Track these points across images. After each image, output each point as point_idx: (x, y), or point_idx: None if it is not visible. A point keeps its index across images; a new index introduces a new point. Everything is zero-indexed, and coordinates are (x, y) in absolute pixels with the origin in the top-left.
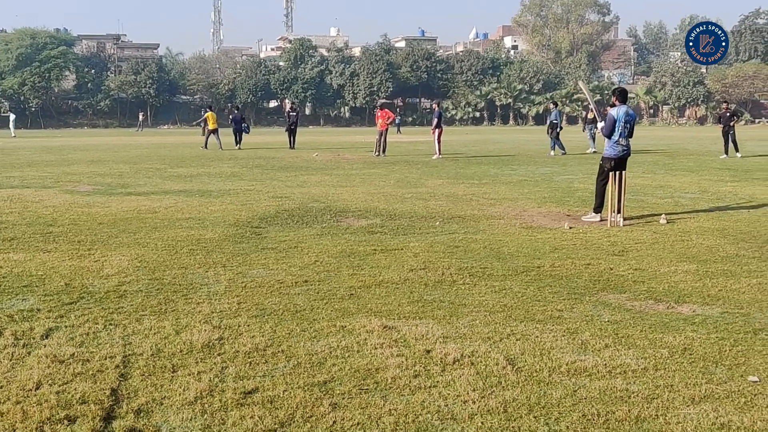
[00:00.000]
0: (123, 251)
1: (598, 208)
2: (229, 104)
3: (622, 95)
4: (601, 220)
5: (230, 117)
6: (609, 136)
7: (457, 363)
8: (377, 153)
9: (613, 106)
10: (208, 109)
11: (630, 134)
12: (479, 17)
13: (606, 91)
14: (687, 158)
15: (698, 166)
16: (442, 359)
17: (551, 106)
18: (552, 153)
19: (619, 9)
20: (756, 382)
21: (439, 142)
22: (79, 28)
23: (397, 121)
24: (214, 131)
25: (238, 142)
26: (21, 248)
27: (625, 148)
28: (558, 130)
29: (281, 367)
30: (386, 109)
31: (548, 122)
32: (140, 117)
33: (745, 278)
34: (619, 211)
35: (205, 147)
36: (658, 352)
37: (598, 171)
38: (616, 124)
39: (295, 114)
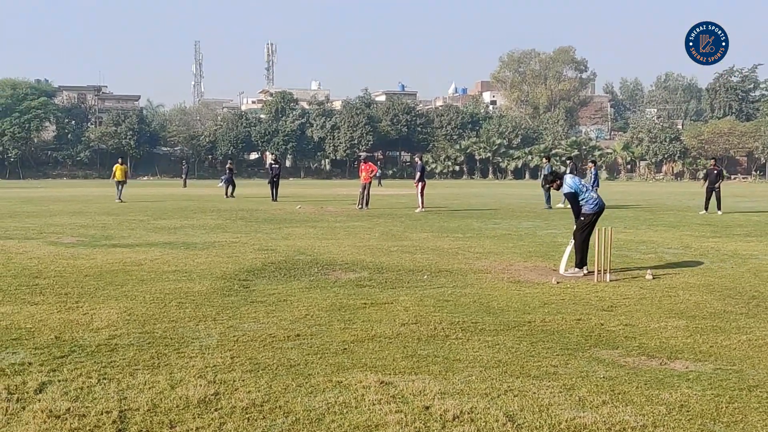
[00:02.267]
0: (111, 304)
1: (581, 262)
2: (209, 156)
3: (556, 175)
4: (586, 274)
5: (227, 170)
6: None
7: (457, 420)
8: (360, 206)
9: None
10: (118, 162)
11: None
12: (458, 73)
13: (584, 146)
14: (667, 213)
15: (679, 222)
16: (441, 416)
17: (544, 161)
18: (548, 206)
19: (596, 66)
20: None
21: (422, 196)
22: (60, 79)
23: (378, 174)
24: (122, 183)
25: (230, 193)
26: (8, 300)
27: (597, 200)
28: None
29: (280, 423)
30: (370, 162)
31: (542, 176)
32: None
33: (734, 334)
34: (604, 267)
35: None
36: (656, 409)
37: (576, 226)
38: (579, 192)
39: (277, 166)
